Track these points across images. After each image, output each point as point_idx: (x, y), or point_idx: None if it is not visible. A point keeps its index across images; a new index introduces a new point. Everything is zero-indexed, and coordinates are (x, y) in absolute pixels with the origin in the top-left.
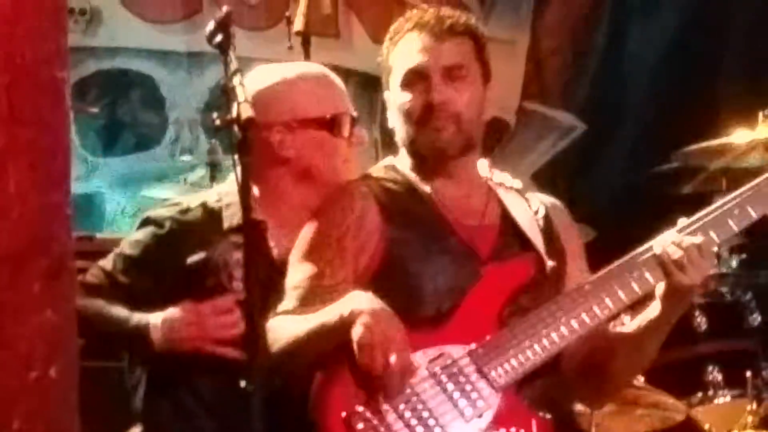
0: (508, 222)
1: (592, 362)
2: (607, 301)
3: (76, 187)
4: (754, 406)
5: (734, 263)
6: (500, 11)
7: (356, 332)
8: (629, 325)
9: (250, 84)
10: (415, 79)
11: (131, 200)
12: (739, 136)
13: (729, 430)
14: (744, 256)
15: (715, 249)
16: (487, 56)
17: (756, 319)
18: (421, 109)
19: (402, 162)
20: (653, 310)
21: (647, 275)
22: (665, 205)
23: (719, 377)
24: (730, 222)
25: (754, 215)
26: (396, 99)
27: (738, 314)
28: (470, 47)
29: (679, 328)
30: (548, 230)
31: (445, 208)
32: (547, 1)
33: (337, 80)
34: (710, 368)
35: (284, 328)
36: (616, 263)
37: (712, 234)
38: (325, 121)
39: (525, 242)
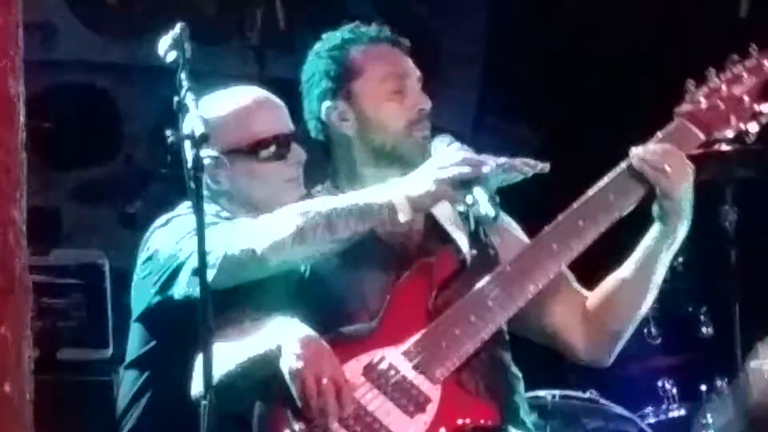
0: (430, 221)
1: (598, 312)
2: (528, 282)
3: (32, 202)
4: (709, 419)
5: (688, 276)
6: (456, 25)
7: (285, 363)
8: (633, 254)
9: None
10: (400, 85)
11: (87, 214)
12: None
13: None
14: (698, 269)
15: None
16: None
17: (710, 332)
18: (412, 116)
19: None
20: (652, 232)
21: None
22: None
23: (674, 390)
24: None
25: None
26: (377, 106)
27: (692, 327)
28: None
29: (633, 342)
30: (468, 220)
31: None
32: (503, 13)
33: (271, 98)
34: (665, 381)
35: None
36: (535, 239)
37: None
38: (254, 149)
39: (445, 237)
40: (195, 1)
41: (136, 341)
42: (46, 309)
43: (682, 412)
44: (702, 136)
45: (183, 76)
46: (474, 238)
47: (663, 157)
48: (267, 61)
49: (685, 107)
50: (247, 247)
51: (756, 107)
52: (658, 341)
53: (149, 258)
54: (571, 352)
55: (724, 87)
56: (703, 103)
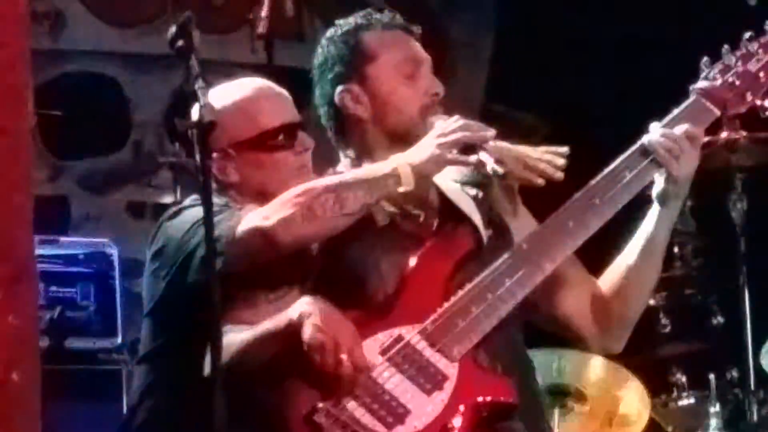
0: (445, 203)
1: (606, 301)
2: (544, 260)
3: (41, 190)
4: (718, 407)
5: (698, 265)
6: (463, 13)
7: (306, 333)
8: (633, 240)
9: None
10: (415, 69)
11: (96, 203)
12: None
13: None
14: (708, 258)
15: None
16: None
17: (720, 321)
18: (427, 100)
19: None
20: (653, 214)
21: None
22: (631, 204)
23: (683, 379)
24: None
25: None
26: (393, 89)
27: (702, 316)
28: None
29: (643, 331)
30: (484, 204)
31: (387, 202)
32: (509, 3)
33: (274, 88)
34: (674, 370)
35: (234, 338)
36: (550, 218)
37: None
38: (261, 140)
39: (461, 217)
40: None
41: (147, 336)
42: (55, 298)
43: (692, 400)
44: (717, 112)
45: (191, 64)
46: (490, 219)
47: (677, 141)
48: (275, 50)
49: (701, 84)
50: (256, 228)
51: None
52: (668, 330)
53: (159, 251)
54: (583, 340)
55: (739, 64)
56: (719, 80)
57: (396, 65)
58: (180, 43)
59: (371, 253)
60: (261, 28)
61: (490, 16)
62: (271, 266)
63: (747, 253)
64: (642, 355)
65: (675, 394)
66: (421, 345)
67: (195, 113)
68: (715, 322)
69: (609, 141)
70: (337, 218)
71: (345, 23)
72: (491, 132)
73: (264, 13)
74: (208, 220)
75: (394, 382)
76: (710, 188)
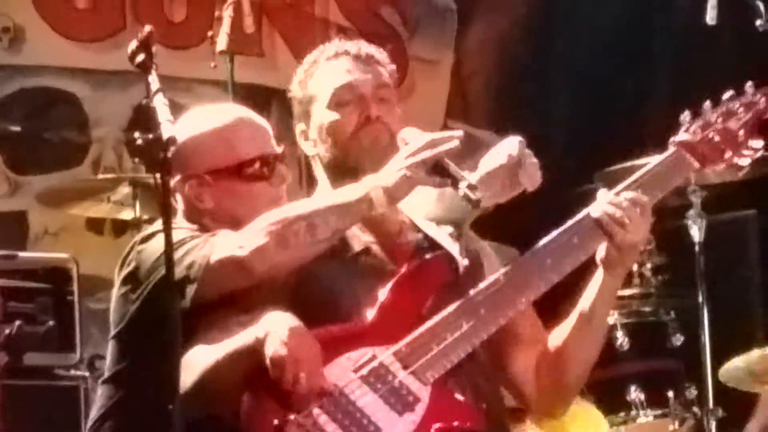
0: (422, 233)
1: (548, 365)
2: (526, 290)
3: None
4: (677, 425)
5: (656, 283)
6: (424, 31)
7: (269, 346)
8: (578, 305)
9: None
10: (347, 96)
11: (54, 219)
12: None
13: None
14: (667, 276)
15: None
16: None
17: (678, 338)
18: (357, 124)
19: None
20: (597, 279)
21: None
22: None
23: (642, 397)
24: (670, 177)
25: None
26: (323, 120)
27: (661, 334)
28: (389, 75)
29: (601, 348)
30: (459, 234)
31: (361, 229)
32: (470, 21)
33: (255, 118)
34: (633, 388)
35: (200, 356)
36: (529, 252)
37: (654, 190)
38: (239, 169)
39: (437, 246)
40: (163, 6)
41: (112, 358)
42: (13, 313)
43: (650, 418)
44: (697, 165)
45: (151, 79)
46: (465, 251)
47: (623, 208)
48: (235, 65)
49: (683, 137)
50: (230, 258)
51: (750, 143)
52: (626, 347)
53: (130, 274)
54: (524, 402)
55: (719, 121)
56: (700, 135)
57: (329, 95)
58: (140, 58)
59: (346, 278)
60: (222, 45)
61: (451, 34)
62: (244, 291)
63: (706, 271)
64: (600, 373)
65: (633, 412)
66: (395, 366)
67: (155, 129)
68: (673, 339)
69: (570, 160)
70: (309, 246)
71: (303, 62)
72: (455, 139)
73: (224, 29)
74: (167, 237)
75: (366, 400)
76: (669, 205)
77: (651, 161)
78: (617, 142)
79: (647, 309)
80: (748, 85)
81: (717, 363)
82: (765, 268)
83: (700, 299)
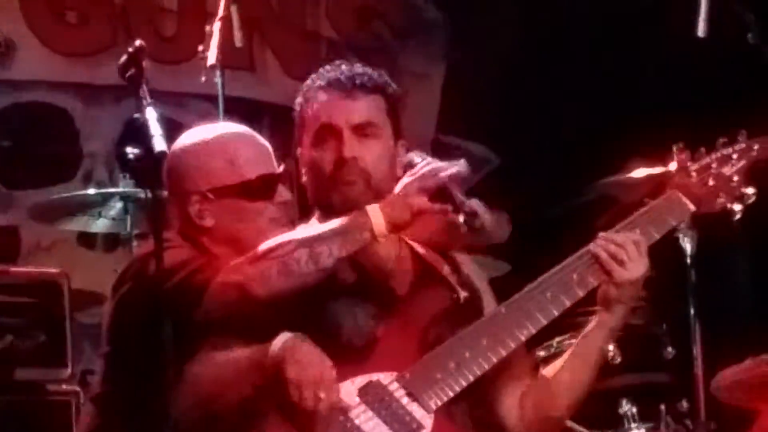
0: (419, 262)
1: (536, 397)
2: (526, 322)
3: None
4: None
5: (648, 296)
6: (415, 44)
7: (286, 367)
8: (576, 343)
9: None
10: (326, 134)
11: (46, 233)
12: (652, 169)
13: None
14: (658, 288)
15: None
16: (398, 113)
17: (670, 352)
18: (333, 164)
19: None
20: (596, 317)
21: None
22: (580, 237)
23: (633, 410)
24: (667, 217)
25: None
26: (306, 156)
27: (652, 347)
28: (381, 104)
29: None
30: (456, 267)
31: (359, 257)
32: (462, 34)
33: (257, 138)
34: (624, 401)
35: (201, 373)
36: (529, 286)
37: (650, 230)
38: (241, 188)
39: (437, 276)
40: (154, 21)
41: (103, 376)
42: (4, 328)
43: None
44: (693, 207)
45: (142, 93)
46: (465, 282)
47: (622, 245)
48: (226, 80)
49: (679, 179)
50: (233, 283)
51: (743, 189)
52: (618, 361)
53: (127, 292)
54: None
55: (715, 165)
56: (695, 178)
57: (314, 132)
58: (131, 72)
59: (347, 305)
60: (212, 59)
61: (441, 48)
62: (245, 315)
63: (697, 284)
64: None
65: (625, 425)
66: (399, 392)
67: (147, 143)
68: (665, 353)
69: (561, 173)
70: (311, 273)
71: (303, 87)
72: (458, 167)
73: (214, 43)
74: (158, 252)
75: (370, 425)
76: None
77: (649, 204)
78: (609, 156)
79: (639, 322)
80: (741, 134)
81: (708, 376)
82: (756, 280)
83: (692, 312)
